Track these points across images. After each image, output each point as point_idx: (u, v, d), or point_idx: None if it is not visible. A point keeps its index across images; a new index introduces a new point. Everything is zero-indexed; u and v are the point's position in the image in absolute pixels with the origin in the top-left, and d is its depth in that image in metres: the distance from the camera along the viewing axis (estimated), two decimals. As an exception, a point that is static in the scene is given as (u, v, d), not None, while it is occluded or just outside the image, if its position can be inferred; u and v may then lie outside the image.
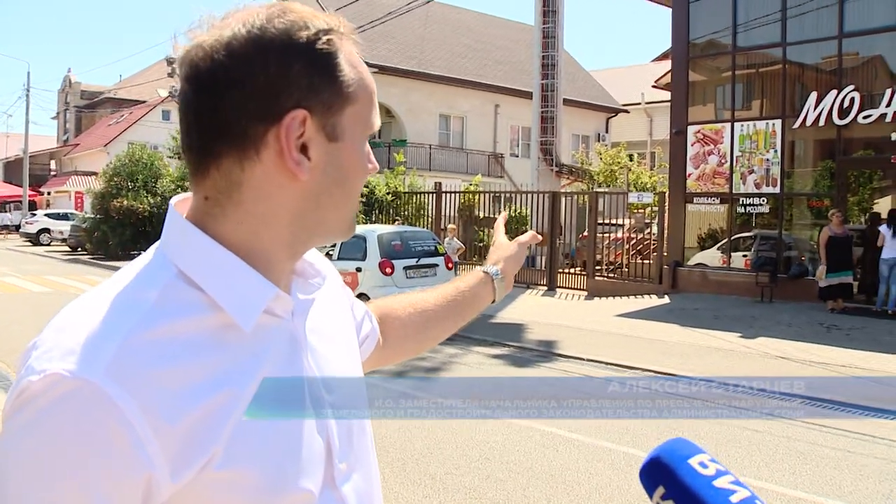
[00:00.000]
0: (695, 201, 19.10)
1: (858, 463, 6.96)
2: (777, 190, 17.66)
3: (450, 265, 15.34)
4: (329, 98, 1.07)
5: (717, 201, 18.74)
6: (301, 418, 1.10)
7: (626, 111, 42.18)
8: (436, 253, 15.17)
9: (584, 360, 11.45)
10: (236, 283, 1.06)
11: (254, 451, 1.01)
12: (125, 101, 58.28)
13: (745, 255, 18.42)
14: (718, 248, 18.96)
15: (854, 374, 10.40)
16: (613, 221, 20.65)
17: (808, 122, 16.98)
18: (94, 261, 29.27)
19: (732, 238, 18.66)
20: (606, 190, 24.06)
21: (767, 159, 17.67)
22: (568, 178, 26.66)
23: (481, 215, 24.13)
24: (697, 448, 1.05)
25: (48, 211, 46.83)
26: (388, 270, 13.96)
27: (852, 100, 16.44)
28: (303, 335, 1.15)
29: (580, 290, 19.75)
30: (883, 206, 18.56)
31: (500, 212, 24.10)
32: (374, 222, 23.83)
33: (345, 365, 1.25)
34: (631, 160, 32.66)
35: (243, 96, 1.04)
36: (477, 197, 24.64)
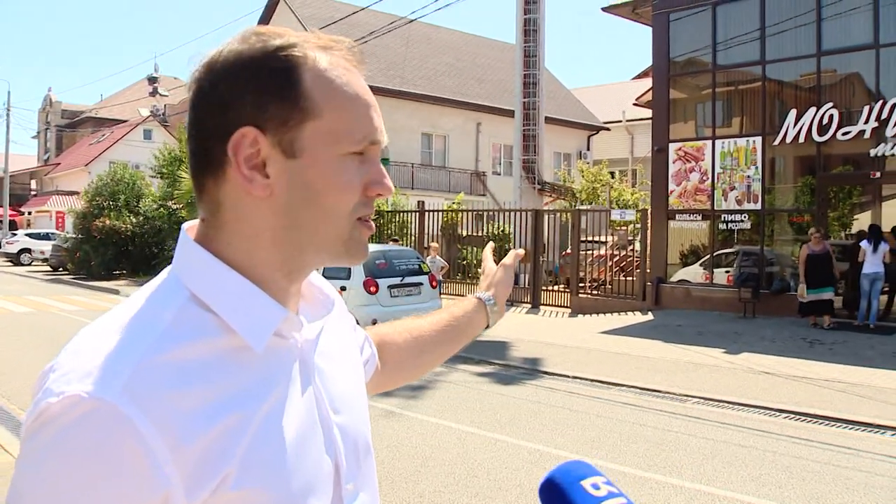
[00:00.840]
0: (677, 218, 19.24)
1: (843, 476, 7.00)
2: (758, 206, 17.81)
3: (434, 283, 15.34)
4: (282, 114, 1.07)
5: (700, 218, 18.88)
6: (312, 439, 1.12)
7: (608, 129, 42.36)
8: (420, 271, 15.17)
9: (569, 377, 11.46)
10: (247, 305, 1.08)
11: (266, 471, 1.03)
12: (106, 121, 58.27)
13: (727, 271, 18.55)
14: (701, 265, 19.07)
15: (837, 389, 10.46)
16: (596, 238, 20.72)
17: (788, 139, 17.16)
18: (76, 281, 29.06)
19: (715, 254, 18.78)
20: (589, 207, 24.15)
21: (748, 176, 17.83)
22: (550, 195, 26.79)
23: (464, 233, 24.14)
24: (594, 471, 1.10)
25: (29, 231, 46.59)
26: (373, 289, 13.95)
27: (831, 117, 16.64)
28: (311, 357, 1.17)
29: (564, 307, 19.79)
30: (863, 221, 18.76)
31: (482, 230, 24.15)
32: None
33: (351, 387, 1.27)
34: (613, 177, 32.79)
35: (202, 117, 1.09)
36: (460, 215, 24.67)
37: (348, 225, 1.14)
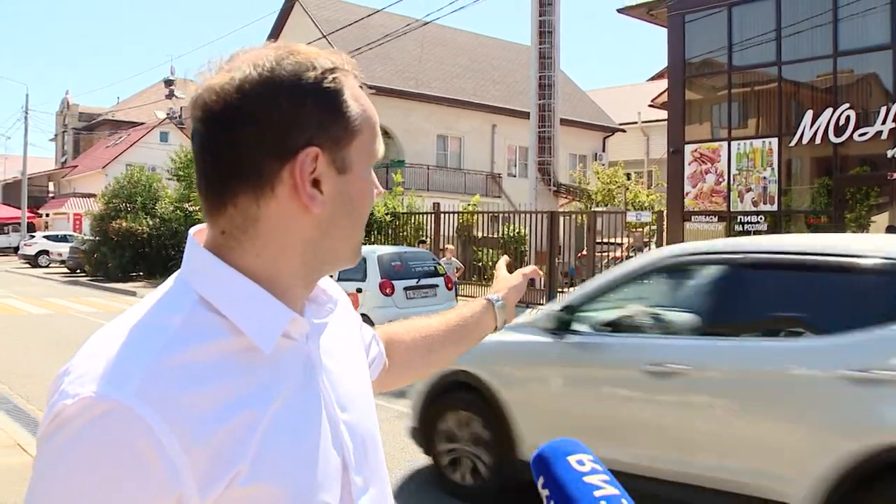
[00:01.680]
0: (693, 219, 19.22)
1: None
2: (774, 207, 17.77)
3: (450, 285, 15.34)
4: (337, 133, 1.13)
5: (715, 219, 18.85)
6: (319, 436, 1.14)
7: (623, 130, 42.30)
8: (436, 273, 15.16)
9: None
10: (255, 308, 1.10)
11: (276, 467, 1.06)
12: (123, 123, 58.47)
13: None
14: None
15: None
16: (612, 240, 20.67)
17: (805, 140, 17.12)
18: (93, 282, 29.19)
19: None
20: (604, 209, 24.13)
21: (764, 177, 17.79)
22: (566, 197, 26.75)
23: (480, 235, 24.15)
24: (582, 448, 1.18)
25: (47, 233, 46.81)
26: (389, 291, 13.95)
27: (848, 118, 16.59)
28: (318, 357, 1.20)
29: (579, 308, 19.71)
30: (880, 223, 18.65)
31: (498, 232, 24.17)
32: (373, 243, 23.85)
33: (356, 385, 1.30)
34: (628, 179, 32.75)
35: (258, 135, 1.08)
36: (475, 217, 24.69)
37: (362, 232, 1.23)
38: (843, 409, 4.31)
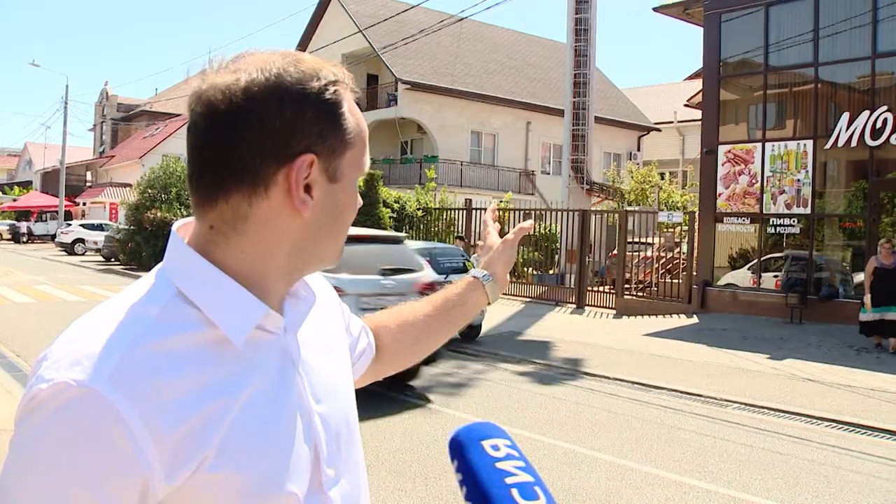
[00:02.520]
0: (725, 221, 19.06)
1: (883, 488, 6.89)
2: (808, 210, 17.57)
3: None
4: (333, 144, 1.17)
5: (748, 221, 18.67)
6: (289, 426, 1.17)
7: (658, 129, 42.07)
8: (464, 269, 15.15)
9: (609, 378, 11.42)
10: (229, 302, 1.14)
11: (242, 455, 1.08)
12: (160, 114, 58.97)
13: (775, 276, 18.31)
14: (748, 269, 18.85)
15: (882, 399, 10.30)
16: (643, 240, 20.59)
17: (840, 143, 16.91)
18: (127, 271, 29.54)
19: (763, 259, 18.55)
20: (636, 208, 24.01)
21: (798, 179, 17.60)
22: (598, 196, 26.66)
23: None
24: (499, 432, 1.19)
25: (83, 221, 47.36)
26: (417, 286, 13.97)
27: (885, 120, 16.36)
28: (294, 349, 1.22)
29: (609, 308, 19.67)
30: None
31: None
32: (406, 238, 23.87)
33: (335, 377, 1.32)
34: (662, 179, 32.56)
35: (258, 138, 1.11)
36: (507, 214, 24.65)
37: (346, 235, 1.26)
38: None
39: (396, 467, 7.06)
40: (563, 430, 8.49)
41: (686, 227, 19.87)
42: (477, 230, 23.49)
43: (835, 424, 9.09)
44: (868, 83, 17.06)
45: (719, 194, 19.01)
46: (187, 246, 1.18)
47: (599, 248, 22.11)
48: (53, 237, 48.41)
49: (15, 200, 57.83)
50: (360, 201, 1.28)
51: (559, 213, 22.31)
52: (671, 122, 41.13)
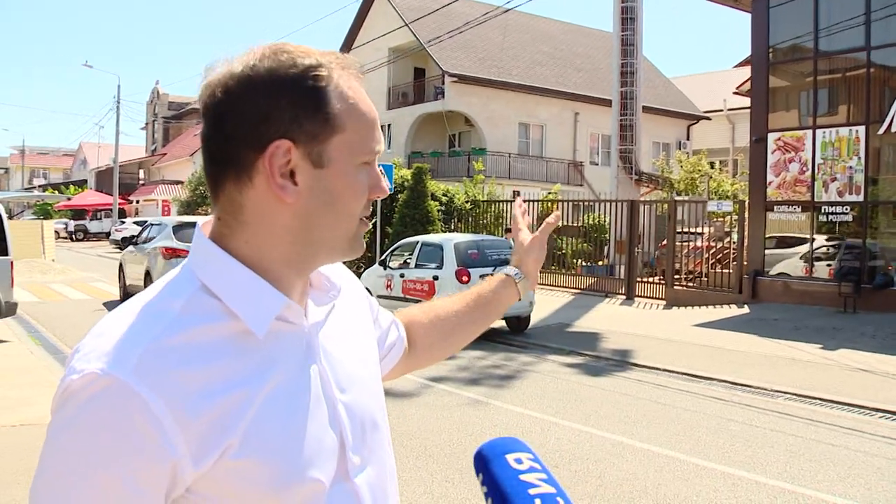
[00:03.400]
0: (775, 210, 18.78)
1: (937, 478, 6.79)
2: (861, 198, 17.24)
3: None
4: (313, 128, 1.18)
5: (799, 210, 18.38)
6: (313, 415, 1.21)
7: (708, 118, 41.58)
8: (512, 262, 15.15)
9: (659, 369, 11.37)
10: (251, 294, 1.19)
11: (266, 443, 1.13)
12: (211, 112, 59.51)
13: (828, 265, 18.03)
14: (800, 258, 18.59)
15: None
16: (693, 230, 20.41)
17: (894, 128, 16.59)
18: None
19: (815, 247, 18.27)
20: (685, 198, 23.77)
21: (850, 167, 17.29)
22: (647, 186, 26.46)
23: (560, 224, 23.95)
24: (523, 447, 1.23)
25: (136, 219, 48.11)
26: (465, 279, 14.02)
27: (940, 105, 16.03)
28: (317, 340, 1.27)
29: (659, 299, 19.55)
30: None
31: (579, 220, 24.02)
32: (454, 231, 23.92)
33: (359, 367, 1.36)
34: (712, 168, 32.20)
35: (235, 127, 1.17)
36: (556, 205, 24.56)
37: (355, 225, 1.26)
38: None
39: (443, 459, 7.11)
40: (612, 422, 8.48)
41: (736, 217, 19.63)
42: (525, 222, 23.41)
43: (889, 415, 8.96)
44: (922, 67, 16.71)
45: (769, 183, 18.75)
46: (208, 240, 1.24)
47: (649, 239, 21.95)
48: (108, 234, 49.25)
49: (69, 199, 58.80)
50: (386, 189, 1.29)
51: (608, 204, 22.22)
52: (721, 111, 40.60)
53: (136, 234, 42.27)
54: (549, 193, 26.94)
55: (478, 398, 9.47)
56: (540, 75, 37.90)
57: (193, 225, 17.66)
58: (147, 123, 72.51)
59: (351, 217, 1.25)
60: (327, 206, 1.21)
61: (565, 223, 23.87)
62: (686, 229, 20.39)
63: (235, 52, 1.22)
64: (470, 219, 25.25)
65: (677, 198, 23.40)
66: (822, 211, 17.93)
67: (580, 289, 21.54)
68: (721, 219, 21.47)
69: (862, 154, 17.14)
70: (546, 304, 18.07)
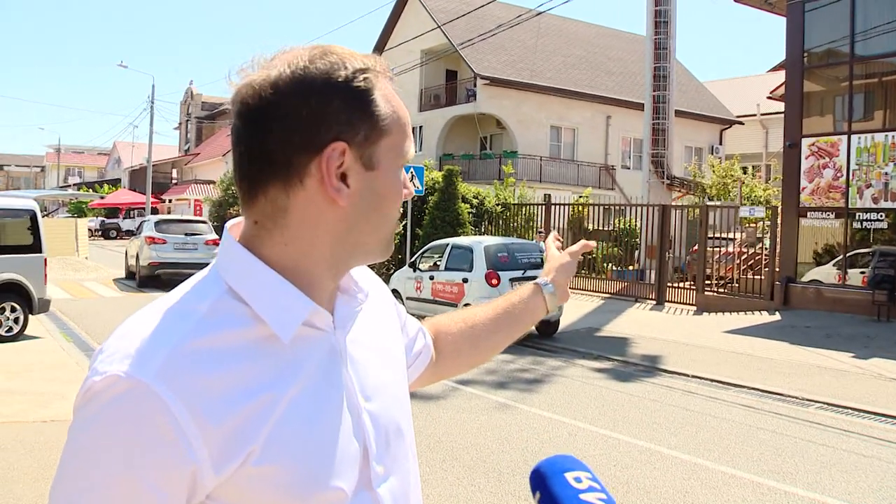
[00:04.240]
0: (809, 216, 18.59)
1: (971, 491, 6.70)
2: (896, 205, 17.04)
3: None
4: (365, 131, 1.18)
5: (832, 216, 18.18)
6: (337, 423, 1.20)
7: (741, 123, 41.25)
8: (542, 265, 15.03)
9: (688, 376, 11.29)
10: (277, 298, 1.17)
11: (288, 450, 1.12)
12: (243, 112, 59.90)
13: (862, 273, 17.81)
14: (834, 265, 18.38)
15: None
16: (725, 235, 20.25)
17: (931, 135, 16.37)
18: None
19: (849, 254, 18.06)
20: (718, 203, 23.62)
21: (886, 173, 17.07)
22: (679, 190, 26.30)
23: (591, 228, 23.91)
24: (580, 465, 1.21)
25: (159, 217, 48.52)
26: (494, 282, 14.00)
27: (978, 111, 15.81)
28: (343, 346, 1.26)
29: (689, 304, 19.39)
30: None
31: (609, 225, 23.94)
32: (484, 233, 23.90)
33: (385, 375, 1.34)
34: (745, 173, 31.95)
35: (288, 130, 1.15)
36: (587, 209, 24.48)
37: (393, 227, 1.28)
38: None
39: (470, 463, 7.10)
40: (640, 428, 8.43)
41: (769, 223, 19.46)
42: (556, 226, 23.41)
43: (922, 425, 8.84)
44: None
45: (803, 188, 18.57)
46: (237, 243, 1.22)
47: (680, 244, 21.83)
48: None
49: (103, 198, 59.43)
50: (412, 190, 1.30)
51: (639, 209, 22.09)
52: (754, 115, 40.27)
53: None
54: (581, 197, 26.83)
55: (505, 402, 9.46)
56: (572, 78, 37.78)
57: (172, 221, 25.13)
58: (180, 123, 73.09)
59: (391, 219, 1.26)
60: (373, 209, 1.22)
61: (596, 227, 23.80)
62: (718, 234, 20.26)
63: (270, 53, 1.21)
64: (500, 222, 25.22)
65: (709, 203, 23.26)
66: (857, 217, 17.72)
67: (610, 293, 21.44)
68: (753, 224, 21.31)
69: (898, 160, 16.92)
70: (575, 308, 18.02)
